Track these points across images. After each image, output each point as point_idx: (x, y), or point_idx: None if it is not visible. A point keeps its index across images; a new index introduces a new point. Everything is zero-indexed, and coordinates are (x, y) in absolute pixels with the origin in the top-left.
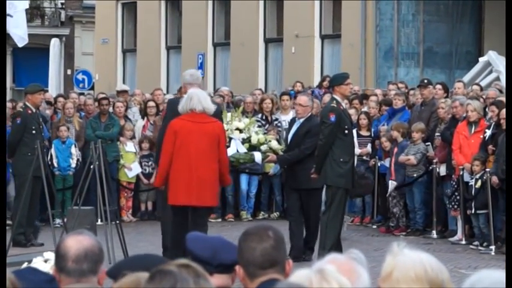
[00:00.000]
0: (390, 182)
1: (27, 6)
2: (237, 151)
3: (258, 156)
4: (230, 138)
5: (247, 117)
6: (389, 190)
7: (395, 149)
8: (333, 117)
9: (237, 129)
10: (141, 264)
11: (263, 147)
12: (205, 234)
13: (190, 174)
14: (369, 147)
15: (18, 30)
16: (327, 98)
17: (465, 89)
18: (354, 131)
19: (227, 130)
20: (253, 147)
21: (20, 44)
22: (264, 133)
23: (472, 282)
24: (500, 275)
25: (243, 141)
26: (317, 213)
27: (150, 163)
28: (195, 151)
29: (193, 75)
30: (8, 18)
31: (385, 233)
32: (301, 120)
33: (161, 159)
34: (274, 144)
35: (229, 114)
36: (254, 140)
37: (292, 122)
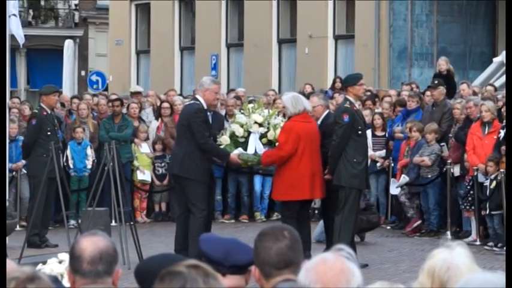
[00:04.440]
0: (402, 176)
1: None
2: (255, 150)
3: None
4: (249, 133)
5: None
6: (398, 183)
7: (404, 147)
8: (346, 118)
9: (256, 122)
10: (166, 264)
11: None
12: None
13: (313, 170)
14: (381, 153)
15: (17, 30)
16: (340, 98)
17: (470, 89)
18: (369, 132)
19: (246, 124)
20: (270, 143)
21: (21, 42)
22: None
23: (462, 283)
24: (490, 276)
25: (261, 136)
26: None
27: (163, 164)
28: (315, 148)
29: (200, 83)
30: (13, 18)
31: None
32: (319, 121)
33: (279, 156)
34: None
35: (250, 105)
36: (271, 135)
37: None
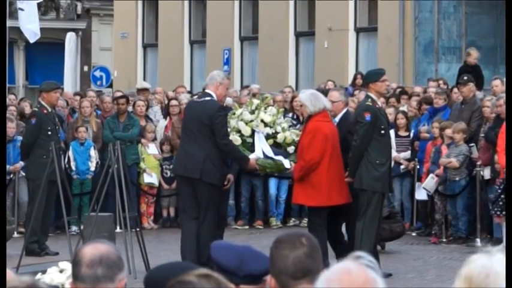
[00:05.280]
0: (430, 176)
1: None
2: (263, 153)
3: (286, 162)
4: (253, 131)
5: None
6: (424, 184)
7: (430, 148)
8: (368, 117)
9: (262, 121)
10: (176, 274)
11: (290, 149)
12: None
13: (340, 174)
14: (405, 154)
15: (31, 25)
16: (361, 95)
17: (503, 85)
18: (392, 132)
19: (251, 121)
20: (277, 145)
21: (32, 40)
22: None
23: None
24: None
25: (267, 137)
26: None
27: (171, 166)
28: (339, 150)
29: (210, 76)
30: (19, 12)
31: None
32: (337, 118)
33: (311, 164)
34: None
35: (255, 101)
36: (281, 138)
37: None
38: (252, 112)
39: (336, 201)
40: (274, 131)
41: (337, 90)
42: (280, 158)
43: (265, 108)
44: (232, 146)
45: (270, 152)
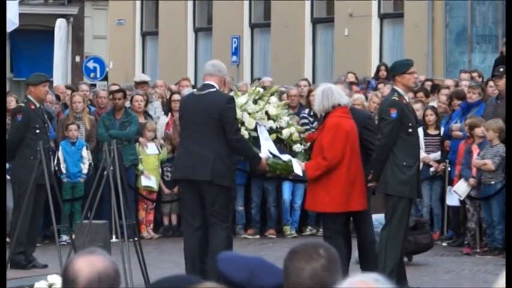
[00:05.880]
0: (461, 181)
1: None
2: (269, 152)
3: (296, 167)
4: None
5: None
6: (455, 188)
7: (463, 148)
8: (394, 113)
9: (266, 113)
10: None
11: (297, 148)
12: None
13: (361, 177)
14: (435, 155)
15: (8, 12)
16: (386, 89)
17: None
18: (421, 130)
19: (256, 112)
20: (280, 141)
21: (9, 29)
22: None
23: None
24: None
25: (270, 131)
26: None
27: (172, 168)
28: (358, 150)
29: (216, 65)
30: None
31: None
32: None
33: (331, 164)
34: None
35: (260, 89)
36: (286, 134)
37: None
38: (255, 102)
39: (356, 207)
40: (278, 126)
41: (341, 83)
42: (287, 157)
43: (269, 99)
44: (245, 143)
45: (274, 150)
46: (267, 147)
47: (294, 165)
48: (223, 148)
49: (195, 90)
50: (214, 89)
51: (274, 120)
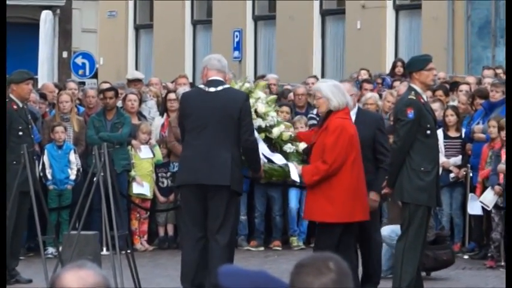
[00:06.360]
0: (488, 189)
1: None
2: (264, 155)
3: (293, 171)
4: None
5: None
6: (481, 197)
7: (486, 152)
8: (411, 113)
9: (255, 111)
10: None
11: (288, 148)
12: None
13: (364, 184)
14: (456, 160)
15: None
16: (402, 87)
17: None
18: (440, 132)
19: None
20: (269, 141)
21: None
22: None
23: None
24: None
25: (259, 130)
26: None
27: (169, 174)
28: (360, 155)
29: (221, 61)
30: None
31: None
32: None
33: (332, 169)
34: (302, 147)
35: (247, 85)
36: (276, 133)
37: None
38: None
39: (359, 217)
40: (267, 124)
41: (349, 82)
42: (282, 160)
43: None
44: (257, 145)
45: (267, 151)
46: (260, 150)
47: (290, 170)
48: (237, 150)
49: (201, 86)
50: (228, 86)
51: (263, 119)
